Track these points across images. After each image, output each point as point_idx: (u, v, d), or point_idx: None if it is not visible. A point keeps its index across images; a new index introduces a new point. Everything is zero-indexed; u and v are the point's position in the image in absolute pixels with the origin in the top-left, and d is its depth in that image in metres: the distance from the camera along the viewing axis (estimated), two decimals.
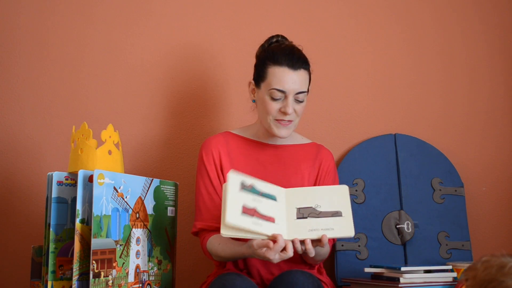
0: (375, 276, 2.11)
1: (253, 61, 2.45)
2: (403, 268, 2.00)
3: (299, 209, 1.77)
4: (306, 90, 1.94)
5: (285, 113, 1.92)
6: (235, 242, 1.84)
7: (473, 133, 2.59)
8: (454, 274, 2.06)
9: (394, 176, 2.43)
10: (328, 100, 2.52)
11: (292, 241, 1.69)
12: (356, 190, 2.38)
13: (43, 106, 2.37)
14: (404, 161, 2.44)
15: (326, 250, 1.92)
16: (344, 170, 2.40)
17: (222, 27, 2.49)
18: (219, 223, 1.86)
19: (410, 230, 2.36)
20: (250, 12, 2.51)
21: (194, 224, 1.99)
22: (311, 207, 1.77)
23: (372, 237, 2.35)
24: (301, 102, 1.94)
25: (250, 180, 1.78)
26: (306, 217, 1.75)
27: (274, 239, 1.67)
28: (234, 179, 1.75)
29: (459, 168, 2.50)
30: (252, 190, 1.76)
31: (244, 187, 1.76)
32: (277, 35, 2.05)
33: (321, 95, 2.50)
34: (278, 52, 1.93)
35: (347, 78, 2.54)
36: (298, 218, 1.75)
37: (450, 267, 2.09)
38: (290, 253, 1.67)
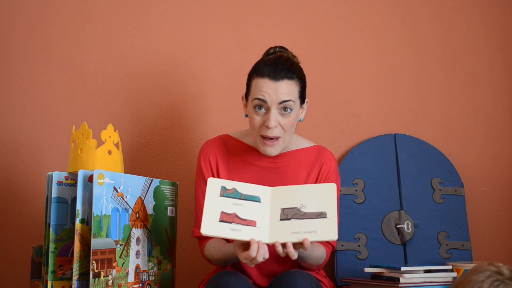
0: (375, 276, 2.11)
1: (254, 61, 2.45)
2: (403, 268, 2.00)
3: (283, 210, 1.73)
4: (290, 99, 1.84)
5: (267, 127, 1.84)
6: (227, 244, 1.83)
7: (473, 133, 2.59)
8: (454, 274, 2.06)
9: (394, 176, 2.43)
10: (328, 100, 2.52)
11: (274, 244, 1.66)
12: (356, 190, 2.38)
13: (43, 106, 2.37)
14: (404, 161, 2.44)
15: (319, 254, 1.87)
16: (344, 170, 2.40)
17: (222, 27, 2.48)
18: None
19: (410, 230, 2.36)
20: (250, 13, 2.51)
21: (193, 230, 2.00)
22: (295, 208, 1.72)
23: (372, 237, 2.35)
24: (287, 114, 1.85)
25: (231, 184, 1.77)
26: (289, 219, 1.71)
27: (247, 246, 1.67)
28: (213, 185, 1.76)
29: (459, 168, 2.50)
30: (233, 194, 1.75)
31: (225, 192, 1.75)
32: (275, 46, 1.97)
33: (321, 95, 2.50)
34: (261, 64, 1.88)
35: (347, 78, 2.54)
36: (281, 219, 1.71)
37: (450, 267, 2.09)
38: (259, 259, 1.64)
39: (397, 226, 2.37)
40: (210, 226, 1.68)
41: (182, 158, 2.42)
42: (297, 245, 1.67)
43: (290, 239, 1.66)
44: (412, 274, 2.00)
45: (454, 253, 2.37)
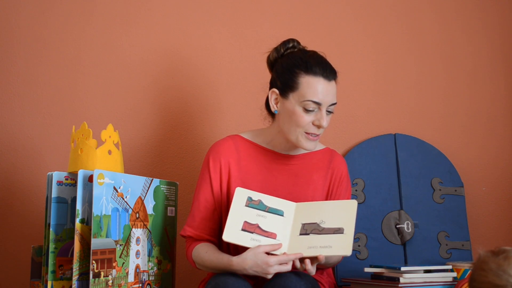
0: (375, 276, 2.11)
1: (253, 59, 2.45)
2: (403, 268, 1.99)
3: (303, 225, 1.77)
4: (336, 101, 1.86)
5: (319, 126, 1.83)
6: (224, 254, 1.81)
7: (473, 133, 2.59)
8: (454, 274, 2.06)
9: (394, 176, 2.43)
10: None
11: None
12: (356, 190, 2.38)
13: (43, 106, 2.37)
14: (404, 161, 2.44)
15: (335, 259, 1.91)
16: None
17: (221, 27, 2.48)
18: (211, 235, 1.91)
19: (410, 230, 2.36)
20: (250, 12, 2.51)
21: (184, 228, 1.93)
22: (315, 223, 1.76)
23: (372, 237, 2.35)
24: (331, 113, 1.85)
25: (257, 196, 1.81)
26: (308, 234, 1.74)
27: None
28: (240, 195, 1.80)
29: (459, 168, 2.50)
30: (258, 205, 1.79)
31: (250, 202, 1.79)
32: (292, 40, 1.94)
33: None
34: (310, 60, 1.84)
35: (347, 78, 2.53)
36: (301, 234, 1.75)
37: (450, 267, 2.09)
38: (289, 266, 1.69)
39: (397, 226, 2.37)
40: (232, 233, 1.73)
41: (182, 158, 2.42)
42: (314, 260, 1.70)
43: (307, 253, 1.70)
44: (412, 274, 2.00)
45: (454, 253, 2.37)
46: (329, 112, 1.85)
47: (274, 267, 1.68)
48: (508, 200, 2.56)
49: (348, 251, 1.69)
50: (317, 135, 1.86)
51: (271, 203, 1.81)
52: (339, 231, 1.72)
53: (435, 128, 2.57)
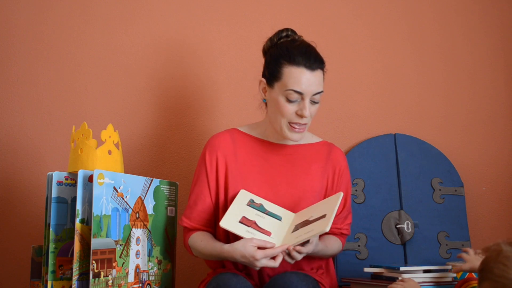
0: (374, 276, 2.11)
1: (252, 58, 2.45)
2: (402, 268, 1.99)
3: (296, 226, 1.81)
4: (322, 90, 1.87)
5: (302, 116, 1.85)
6: (217, 242, 1.87)
7: (473, 133, 2.59)
8: (454, 274, 2.06)
9: (394, 176, 2.43)
10: (329, 100, 2.51)
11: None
12: (356, 190, 2.39)
13: (43, 106, 2.37)
14: (404, 161, 2.44)
15: (334, 248, 1.95)
16: None
17: (221, 25, 2.49)
18: (206, 226, 1.95)
19: (410, 230, 2.36)
20: (248, 9, 2.51)
21: (182, 218, 1.98)
22: (305, 220, 1.80)
23: (372, 237, 2.35)
24: (316, 103, 1.87)
25: (260, 200, 1.86)
26: (298, 229, 1.78)
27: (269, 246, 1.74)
28: (244, 196, 1.85)
29: (459, 168, 2.50)
30: (259, 207, 1.84)
31: (252, 203, 1.84)
32: (287, 29, 1.95)
33: (321, 95, 2.49)
34: (293, 51, 1.85)
35: (347, 78, 2.54)
36: (293, 232, 1.79)
37: (450, 267, 2.09)
38: (277, 263, 1.72)
39: (397, 226, 2.37)
40: (230, 222, 1.77)
41: (182, 158, 2.42)
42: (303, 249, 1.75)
43: (292, 242, 1.73)
44: (411, 274, 2.00)
45: (454, 253, 2.37)
46: (314, 102, 1.86)
47: (260, 261, 1.71)
48: (508, 200, 2.56)
49: (325, 228, 1.68)
50: (302, 125, 1.88)
51: (272, 208, 1.86)
52: (322, 217, 1.76)
53: (435, 128, 2.57)
